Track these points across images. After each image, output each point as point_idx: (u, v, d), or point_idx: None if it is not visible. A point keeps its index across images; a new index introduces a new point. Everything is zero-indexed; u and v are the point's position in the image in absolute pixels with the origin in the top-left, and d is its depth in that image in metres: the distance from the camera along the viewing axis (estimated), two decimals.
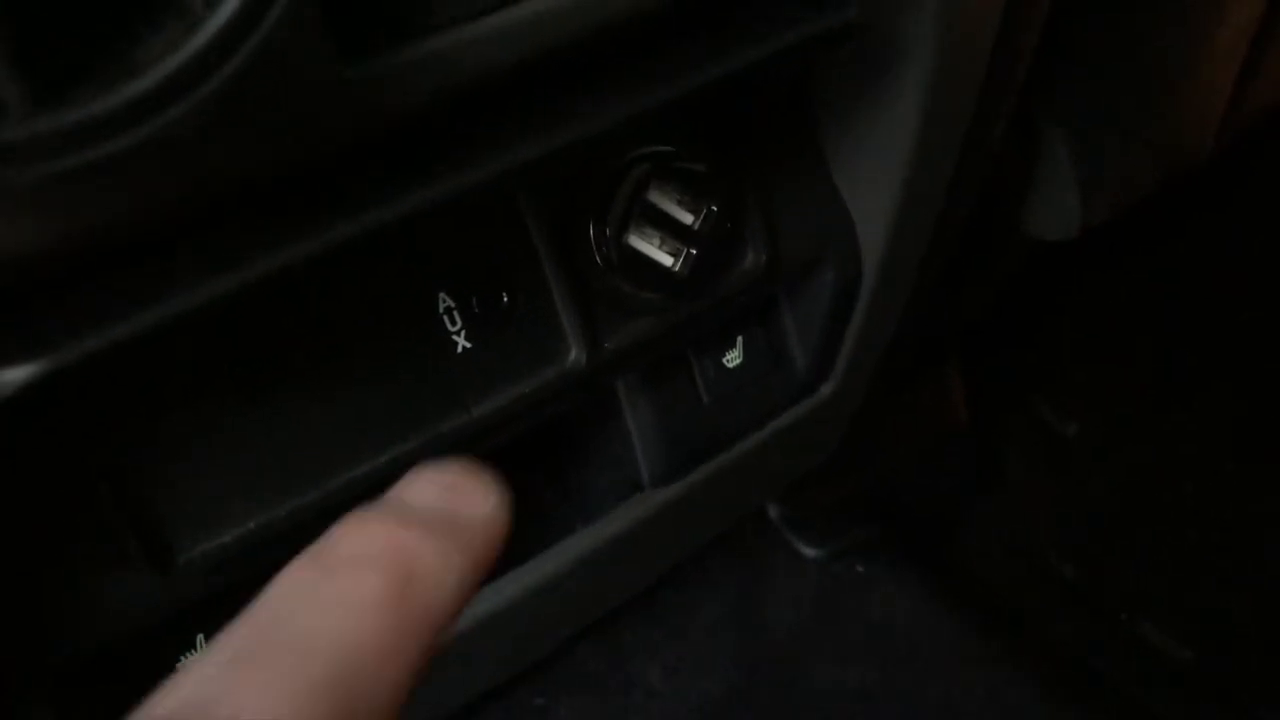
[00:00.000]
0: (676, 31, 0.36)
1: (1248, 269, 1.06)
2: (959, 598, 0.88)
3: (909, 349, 0.62)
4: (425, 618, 0.23)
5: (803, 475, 0.64)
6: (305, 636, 0.22)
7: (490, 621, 0.51)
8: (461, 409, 0.41)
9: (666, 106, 0.36)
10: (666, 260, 0.44)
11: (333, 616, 0.22)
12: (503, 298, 0.42)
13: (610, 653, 0.80)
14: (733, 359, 0.51)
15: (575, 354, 0.43)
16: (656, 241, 0.43)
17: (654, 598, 0.83)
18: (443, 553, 0.24)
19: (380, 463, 0.40)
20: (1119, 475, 1.02)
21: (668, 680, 0.80)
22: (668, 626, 0.82)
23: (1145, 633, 0.91)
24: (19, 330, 0.27)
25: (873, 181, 0.50)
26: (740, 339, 0.51)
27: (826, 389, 0.56)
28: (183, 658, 0.40)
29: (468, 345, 0.41)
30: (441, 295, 0.40)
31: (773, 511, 0.89)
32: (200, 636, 0.40)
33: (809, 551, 0.88)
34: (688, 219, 0.43)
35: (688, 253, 0.44)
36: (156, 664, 0.39)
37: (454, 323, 0.41)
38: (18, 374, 0.27)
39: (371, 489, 0.30)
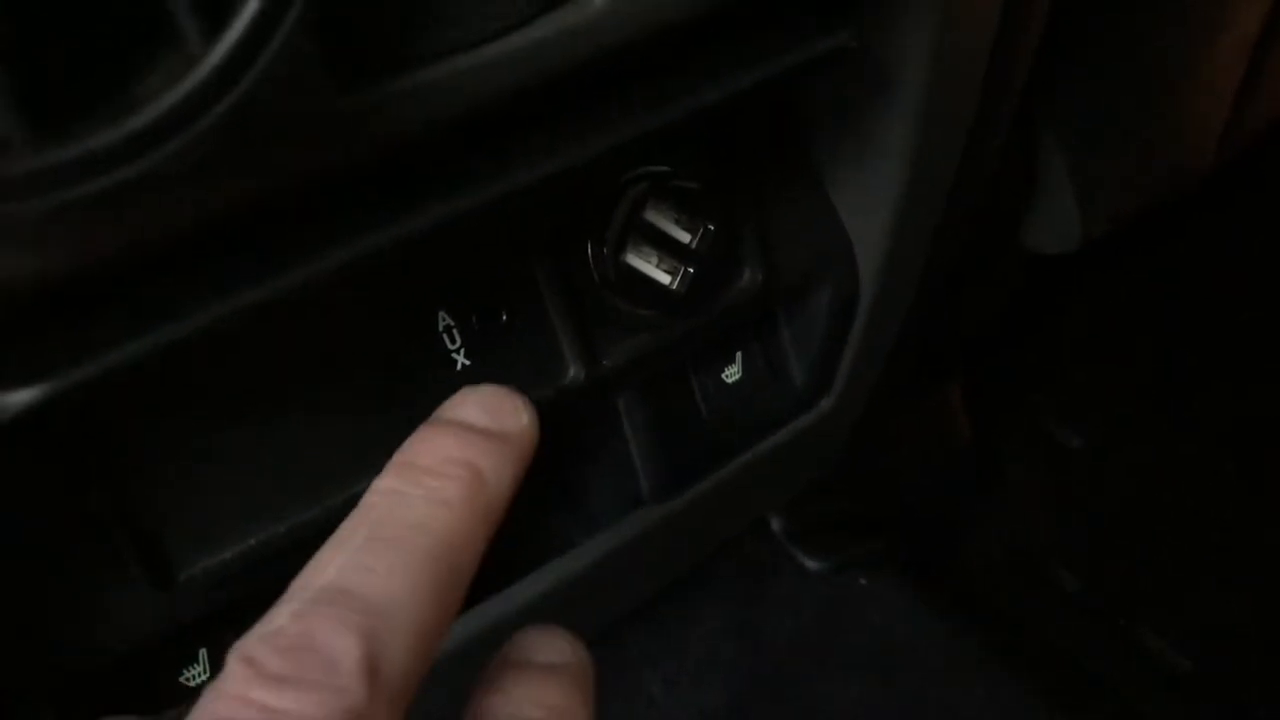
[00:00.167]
0: (673, 57, 0.37)
1: (1249, 276, 1.06)
2: (961, 608, 0.89)
3: (910, 363, 0.63)
4: (491, 511, 0.30)
5: (804, 488, 0.65)
6: (414, 527, 0.28)
7: (492, 635, 0.51)
8: None
9: (663, 130, 0.36)
10: (664, 278, 0.44)
11: (431, 512, 0.28)
12: (501, 316, 0.42)
13: (612, 664, 0.81)
14: (731, 375, 0.52)
15: (574, 371, 0.44)
16: (654, 260, 0.44)
17: (655, 609, 0.83)
18: (498, 461, 0.30)
19: None
20: (1120, 484, 1.02)
21: (669, 691, 0.81)
22: (669, 638, 0.83)
23: (1146, 640, 0.91)
24: (20, 355, 0.28)
25: (869, 199, 0.50)
26: (739, 355, 0.52)
27: (826, 404, 0.56)
28: (184, 673, 0.40)
29: (467, 363, 0.42)
30: (441, 313, 0.41)
31: (775, 524, 0.89)
32: (202, 651, 0.40)
33: (811, 563, 0.89)
34: (685, 238, 0.44)
35: (685, 271, 0.44)
36: (158, 680, 0.40)
37: (453, 340, 0.41)
38: (19, 398, 0.27)
39: None
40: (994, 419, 1.03)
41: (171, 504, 0.37)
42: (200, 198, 0.27)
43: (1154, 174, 0.73)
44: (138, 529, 0.36)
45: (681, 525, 0.55)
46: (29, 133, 0.22)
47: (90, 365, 0.28)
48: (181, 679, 0.41)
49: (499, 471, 0.30)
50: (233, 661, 0.25)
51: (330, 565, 0.27)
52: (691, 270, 0.44)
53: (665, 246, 0.44)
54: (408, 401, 0.41)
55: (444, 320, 0.41)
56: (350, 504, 0.40)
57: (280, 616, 0.26)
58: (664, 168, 0.43)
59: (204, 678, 0.41)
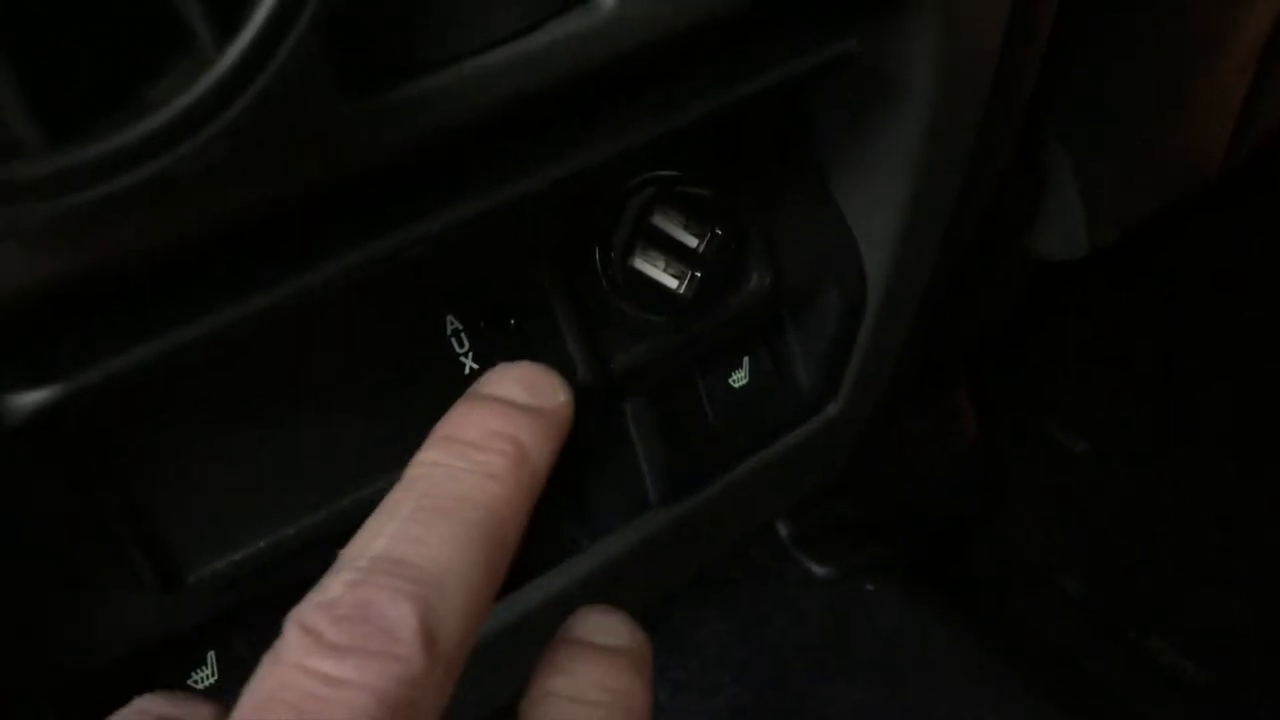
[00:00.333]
0: (680, 62, 0.37)
1: (1254, 280, 1.06)
2: (968, 615, 0.88)
3: (916, 368, 0.63)
4: (533, 485, 0.30)
5: (812, 494, 0.65)
6: (462, 499, 0.28)
7: (499, 638, 0.52)
8: None
9: (671, 136, 0.37)
10: (671, 283, 0.44)
11: (478, 484, 0.29)
12: (509, 320, 0.42)
13: None
14: (739, 379, 0.52)
15: (581, 375, 0.44)
16: (661, 264, 0.44)
17: (662, 615, 0.83)
18: (539, 436, 0.31)
19: (390, 483, 0.41)
20: (1127, 492, 1.02)
21: (676, 697, 0.81)
22: (676, 644, 0.83)
23: (1151, 644, 0.91)
24: (31, 357, 0.28)
25: (876, 204, 0.50)
26: (746, 360, 0.52)
27: (833, 409, 0.56)
28: (192, 675, 0.40)
29: (475, 367, 0.42)
30: (449, 318, 0.41)
31: (782, 529, 0.89)
32: (211, 654, 0.40)
33: (818, 569, 0.89)
34: (692, 242, 0.44)
35: (692, 275, 0.44)
36: (166, 682, 0.40)
37: (462, 345, 0.41)
38: (30, 399, 0.27)
39: None
40: (999, 424, 1.03)
41: (180, 506, 0.37)
42: (211, 201, 0.27)
43: (1161, 180, 0.73)
44: (146, 531, 0.37)
45: (688, 530, 0.55)
46: (42, 136, 0.22)
47: (100, 368, 0.28)
48: (190, 682, 0.41)
49: (540, 446, 0.31)
50: (290, 630, 0.25)
51: (381, 535, 0.27)
52: (699, 275, 0.44)
53: (673, 251, 0.44)
54: (416, 405, 0.41)
55: (452, 324, 0.41)
56: (359, 507, 0.40)
57: (335, 586, 0.26)
58: (672, 172, 0.43)
59: (212, 680, 0.41)
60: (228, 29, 0.23)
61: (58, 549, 0.36)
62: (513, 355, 0.43)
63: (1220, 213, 0.99)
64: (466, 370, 0.42)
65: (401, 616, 0.25)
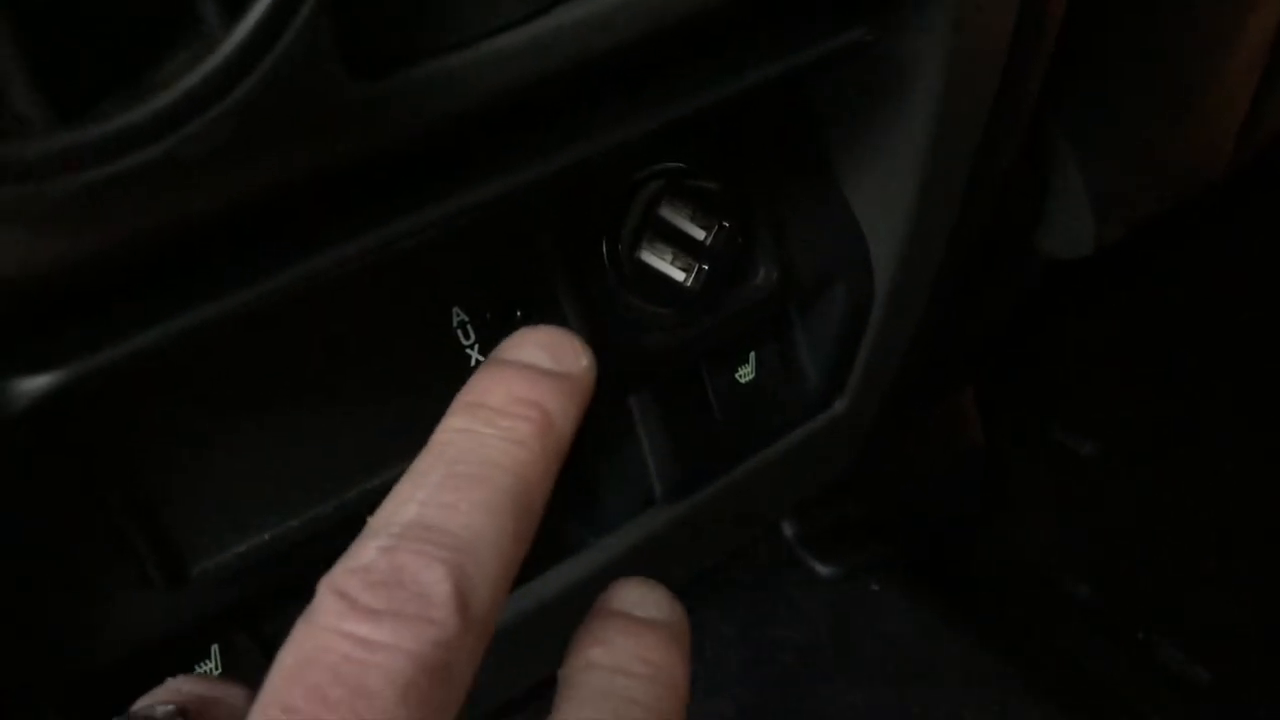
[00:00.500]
0: (688, 51, 0.37)
1: (1260, 282, 1.06)
2: (973, 617, 0.88)
3: (923, 367, 0.62)
4: (559, 451, 0.30)
5: (817, 492, 0.64)
6: (491, 465, 0.28)
7: (503, 635, 0.51)
8: None
9: (678, 124, 0.36)
10: (678, 275, 0.44)
11: (506, 449, 0.28)
12: (516, 313, 0.42)
13: None
14: (745, 374, 0.52)
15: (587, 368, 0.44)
16: (669, 257, 0.44)
17: None
18: (564, 401, 0.30)
19: (395, 475, 0.40)
20: (1134, 494, 1.01)
21: None
22: None
23: (1162, 652, 0.91)
24: (36, 341, 0.28)
25: (885, 198, 0.50)
26: (753, 355, 0.52)
27: (840, 405, 0.56)
28: (196, 669, 0.40)
29: (481, 358, 0.42)
30: (456, 310, 0.41)
31: (787, 529, 0.89)
32: (215, 647, 0.40)
33: (823, 569, 0.88)
34: (700, 234, 0.44)
35: (700, 268, 0.44)
36: (171, 673, 0.39)
37: (468, 336, 0.41)
38: (35, 384, 0.27)
39: None
40: (1002, 424, 1.03)
41: (185, 498, 0.37)
42: (217, 183, 0.27)
43: (1168, 178, 0.72)
44: (151, 523, 0.36)
45: (694, 526, 0.55)
46: (48, 114, 0.22)
47: (106, 353, 0.28)
48: (197, 671, 0.40)
49: (565, 412, 0.30)
50: (325, 595, 0.25)
51: (411, 501, 0.27)
52: (706, 267, 0.44)
53: (680, 243, 0.44)
54: (422, 397, 0.41)
55: (458, 316, 0.41)
56: (365, 498, 0.40)
57: (368, 552, 0.26)
58: (679, 164, 0.43)
59: (215, 674, 0.40)
60: (234, 9, 0.23)
61: (61, 540, 0.36)
62: None
63: (1226, 213, 0.99)
64: (472, 362, 0.41)
65: (435, 581, 0.25)
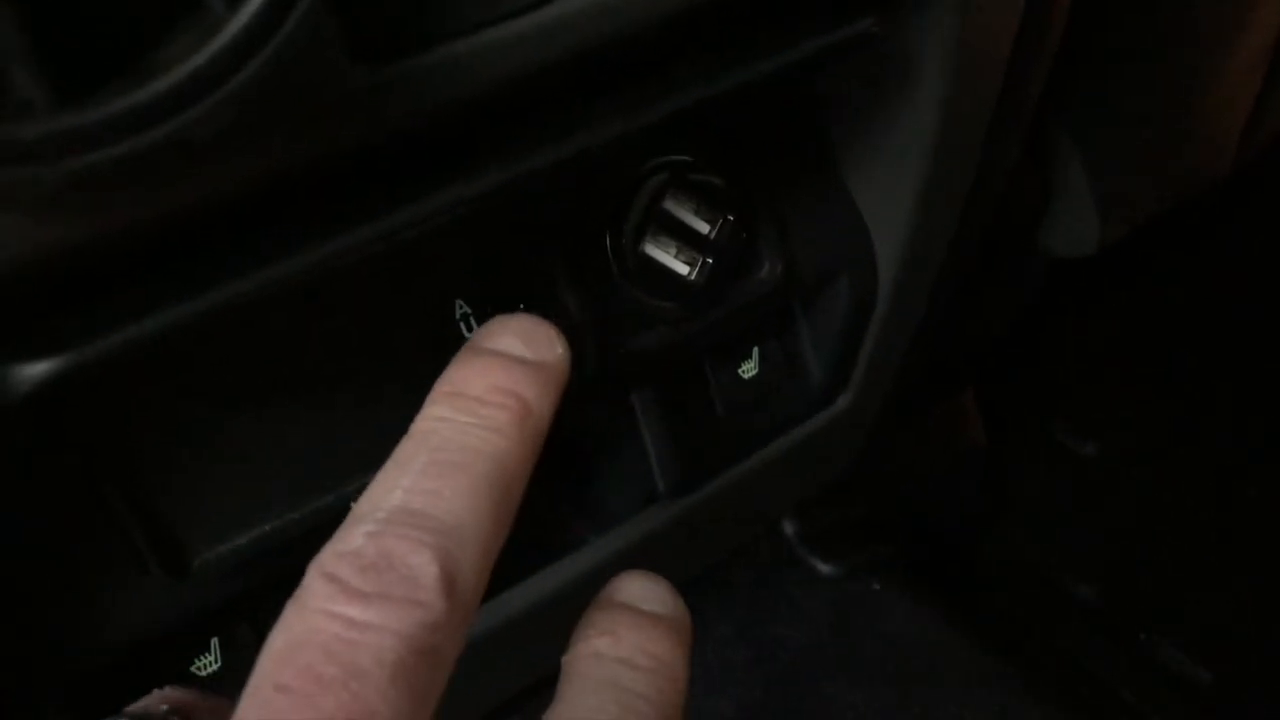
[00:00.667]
0: (692, 41, 0.36)
1: (1263, 282, 1.05)
2: (974, 617, 0.88)
3: (925, 365, 0.62)
4: (536, 436, 0.31)
5: (819, 491, 0.64)
6: (473, 452, 0.29)
7: (504, 632, 0.51)
8: None
9: (682, 115, 0.36)
10: (682, 269, 0.44)
11: (486, 438, 0.30)
12: (518, 306, 0.42)
13: None
14: (748, 370, 0.51)
15: (589, 363, 0.44)
16: (672, 251, 0.44)
17: None
18: (541, 390, 0.31)
19: None
20: (1136, 494, 1.01)
21: None
22: None
23: (1163, 653, 0.90)
24: (38, 328, 0.28)
25: (888, 194, 0.50)
26: (756, 350, 0.51)
27: (843, 402, 0.56)
28: (196, 662, 0.40)
29: None
30: (458, 302, 0.41)
31: (788, 528, 0.89)
32: (214, 641, 0.40)
33: (824, 568, 0.88)
34: (704, 228, 0.44)
35: (703, 262, 0.44)
36: (169, 669, 0.39)
37: (470, 329, 0.41)
38: (35, 371, 0.27)
39: None
40: (1004, 424, 1.03)
41: (186, 490, 0.37)
42: (219, 169, 0.27)
43: (1172, 178, 0.72)
44: (152, 515, 0.36)
45: (696, 523, 0.55)
46: (50, 96, 0.22)
47: (107, 340, 0.28)
48: (193, 669, 0.40)
49: (541, 400, 0.31)
50: (314, 578, 0.26)
51: (396, 488, 0.28)
52: (710, 261, 0.44)
53: (684, 237, 0.44)
54: (423, 389, 0.40)
55: (461, 308, 0.41)
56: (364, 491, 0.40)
57: (356, 536, 0.27)
58: (684, 158, 0.43)
59: (215, 667, 0.40)
60: None
61: (61, 532, 0.35)
62: None
63: (1229, 213, 0.99)
64: None
65: (422, 565, 0.26)
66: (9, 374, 0.27)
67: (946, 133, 0.47)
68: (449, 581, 0.26)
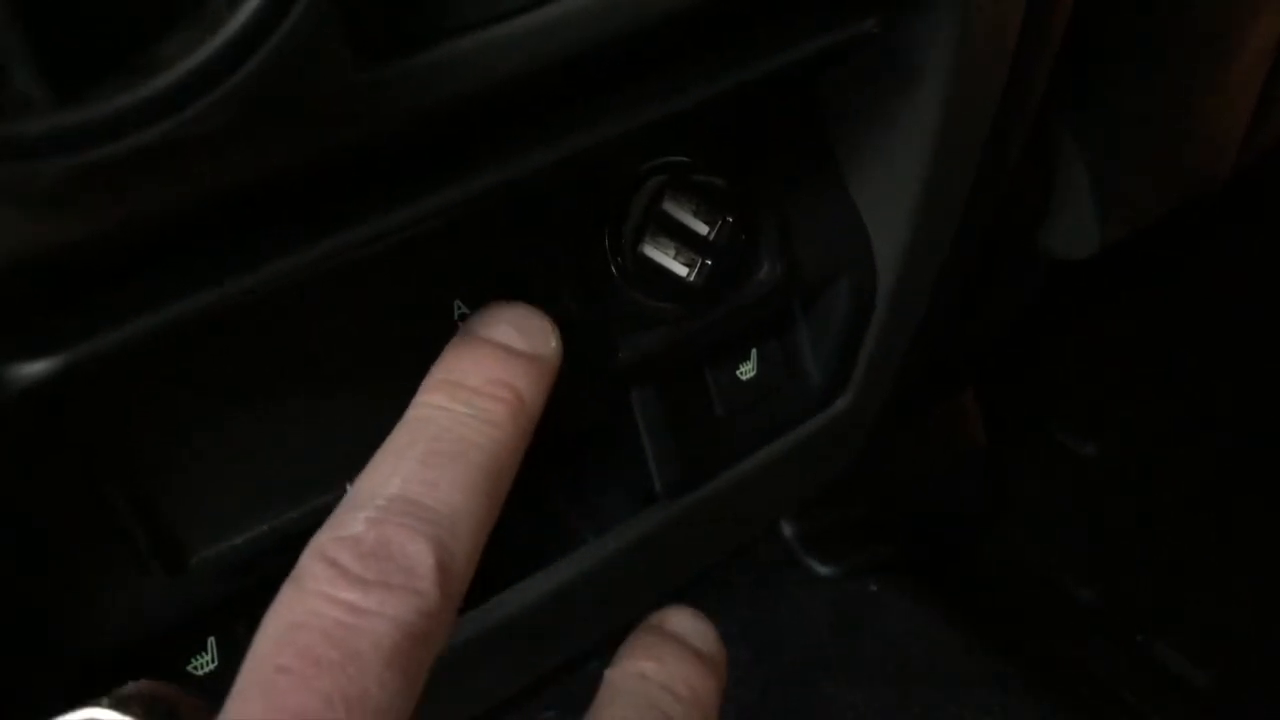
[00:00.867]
0: (694, 40, 0.36)
1: (1264, 282, 1.05)
2: (974, 617, 0.88)
3: (925, 366, 0.62)
4: (528, 428, 0.32)
5: (819, 491, 0.64)
6: (468, 444, 0.30)
7: (501, 631, 0.51)
8: None
9: (682, 114, 0.36)
10: (681, 270, 0.44)
11: (482, 430, 0.31)
12: None
13: None
14: (747, 371, 0.51)
15: (588, 363, 0.43)
16: (671, 251, 0.43)
17: None
18: (534, 383, 0.33)
19: None
20: (1136, 495, 1.01)
21: None
22: None
23: (1162, 654, 0.90)
24: (36, 326, 0.28)
25: (889, 194, 0.50)
26: (755, 352, 0.51)
27: (842, 403, 0.56)
28: (192, 661, 0.40)
29: None
30: (457, 302, 0.41)
31: (787, 529, 0.89)
32: (211, 640, 0.40)
33: (823, 570, 0.88)
34: (703, 230, 0.44)
35: (703, 263, 0.44)
36: (165, 668, 0.39)
37: None
38: (34, 369, 0.27)
39: None
40: (1004, 425, 1.03)
41: (185, 488, 0.37)
42: (220, 166, 0.27)
43: (1173, 179, 0.72)
44: (150, 512, 0.36)
45: (695, 524, 0.55)
46: (49, 92, 0.22)
47: (105, 337, 0.28)
48: (190, 668, 0.40)
49: (534, 394, 0.33)
50: (313, 561, 0.27)
51: (395, 475, 0.29)
52: (709, 262, 0.44)
53: (683, 238, 0.44)
54: None
55: (460, 309, 0.41)
56: None
57: (355, 523, 0.28)
58: (683, 158, 0.43)
59: (212, 666, 0.40)
60: None
61: (60, 529, 0.35)
62: None
63: (1231, 214, 0.99)
64: None
65: (419, 554, 0.27)
66: (8, 372, 0.27)
67: (947, 133, 0.47)
68: (443, 570, 0.27)
